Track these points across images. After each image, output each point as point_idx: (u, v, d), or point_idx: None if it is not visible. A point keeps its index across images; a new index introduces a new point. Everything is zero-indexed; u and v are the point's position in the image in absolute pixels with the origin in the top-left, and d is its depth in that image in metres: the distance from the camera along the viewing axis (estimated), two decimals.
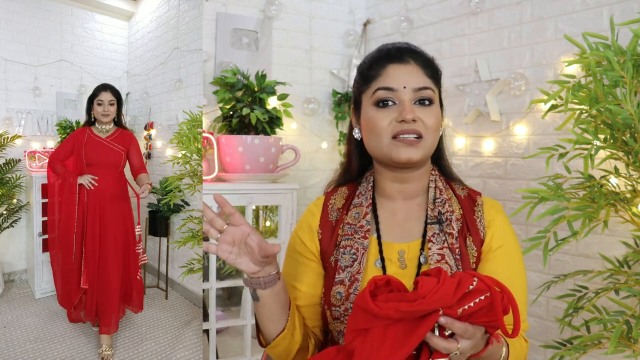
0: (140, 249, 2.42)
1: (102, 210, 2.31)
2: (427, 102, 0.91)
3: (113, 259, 2.30)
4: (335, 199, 1.03)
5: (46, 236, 2.60)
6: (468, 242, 0.94)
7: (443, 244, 0.91)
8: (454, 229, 0.93)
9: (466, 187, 1.02)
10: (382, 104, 0.92)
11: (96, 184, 2.29)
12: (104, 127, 2.38)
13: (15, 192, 2.62)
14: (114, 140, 2.39)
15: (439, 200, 0.96)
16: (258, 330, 0.92)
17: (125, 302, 2.40)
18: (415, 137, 0.90)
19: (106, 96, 2.37)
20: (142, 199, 2.38)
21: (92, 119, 2.41)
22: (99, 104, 2.37)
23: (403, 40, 2.46)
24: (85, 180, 2.29)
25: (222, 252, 0.81)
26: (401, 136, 0.90)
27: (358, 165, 1.04)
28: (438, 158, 1.03)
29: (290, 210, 2.13)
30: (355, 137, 1.00)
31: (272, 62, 2.51)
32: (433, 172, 1.00)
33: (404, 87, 0.90)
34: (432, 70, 0.95)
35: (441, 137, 1.01)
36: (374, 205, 0.99)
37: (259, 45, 2.49)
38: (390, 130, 0.90)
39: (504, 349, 0.82)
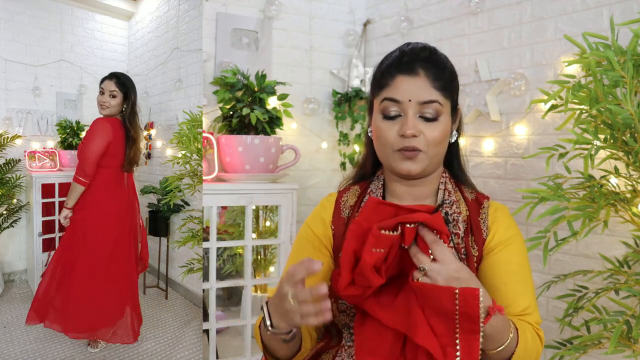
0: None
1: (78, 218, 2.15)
2: (431, 119, 0.92)
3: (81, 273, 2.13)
4: (347, 196, 1.05)
5: (46, 236, 2.60)
6: (471, 242, 0.96)
7: (449, 243, 0.93)
8: (460, 230, 0.95)
9: (475, 191, 1.04)
10: (388, 115, 0.94)
11: (67, 221, 2.15)
12: None
13: (15, 192, 2.62)
14: (84, 137, 2.21)
15: (448, 201, 0.99)
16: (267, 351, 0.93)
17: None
18: (416, 150, 0.92)
19: (108, 85, 2.18)
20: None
21: None
22: (101, 92, 2.20)
23: (403, 40, 2.45)
24: (61, 217, 2.16)
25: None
26: (402, 151, 0.92)
27: (372, 162, 1.07)
28: (450, 161, 1.05)
29: (290, 210, 2.13)
30: (369, 135, 1.03)
31: (272, 62, 2.51)
32: (444, 175, 1.02)
33: (410, 100, 0.91)
34: (443, 81, 0.93)
35: (456, 142, 1.03)
36: None
37: (259, 45, 2.49)
38: (392, 143, 0.93)
39: (512, 334, 0.83)
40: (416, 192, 1.00)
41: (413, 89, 0.91)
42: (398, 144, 0.92)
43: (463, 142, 2.14)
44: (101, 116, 2.24)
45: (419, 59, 0.93)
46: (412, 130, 0.90)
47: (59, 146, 2.79)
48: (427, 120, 0.92)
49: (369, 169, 1.08)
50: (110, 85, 2.18)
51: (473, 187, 1.06)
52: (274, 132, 2.21)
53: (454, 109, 0.99)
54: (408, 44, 0.99)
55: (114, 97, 2.18)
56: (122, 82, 2.23)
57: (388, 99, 0.93)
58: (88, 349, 2.20)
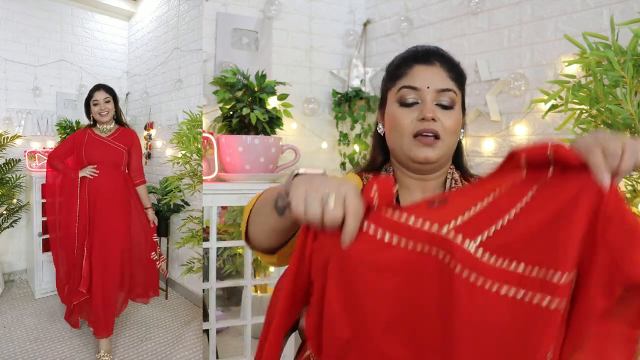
0: (155, 257, 2.46)
1: (105, 209, 2.30)
2: (447, 107, 0.95)
3: (115, 261, 2.28)
4: (365, 178, 1.05)
5: (46, 236, 2.60)
6: None
7: None
8: None
9: None
10: (405, 102, 0.95)
11: (96, 173, 2.30)
12: (104, 126, 2.38)
13: (15, 192, 2.62)
14: (115, 139, 2.38)
15: (455, 187, 1.01)
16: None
17: (143, 294, 2.45)
18: (433, 138, 0.93)
19: (100, 95, 2.37)
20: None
21: (93, 121, 2.42)
22: (95, 104, 2.37)
23: (403, 40, 2.46)
24: (87, 171, 2.29)
25: None
26: (421, 135, 0.93)
27: (381, 160, 1.08)
28: (457, 157, 1.07)
29: None
30: (379, 132, 1.04)
31: (272, 62, 2.51)
32: (451, 168, 1.05)
33: (428, 87, 0.94)
34: (456, 73, 0.98)
35: (461, 140, 1.06)
36: None
37: (259, 45, 2.49)
38: (412, 129, 0.94)
39: None
40: (426, 185, 1.01)
41: (431, 77, 0.94)
42: (416, 128, 0.93)
43: (463, 142, 2.15)
44: (128, 126, 2.52)
45: (433, 52, 0.98)
46: (432, 113, 0.92)
47: None
48: (444, 108, 0.94)
49: (378, 164, 1.08)
50: (102, 94, 2.38)
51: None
52: (274, 132, 2.21)
53: (463, 105, 1.01)
54: (419, 45, 1.02)
55: (107, 102, 2.38)
56: (109, 89, 2.42)
57: (406, 86, 0.95)
58: (95, 356, 2.20)
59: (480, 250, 0.57)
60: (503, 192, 0.61)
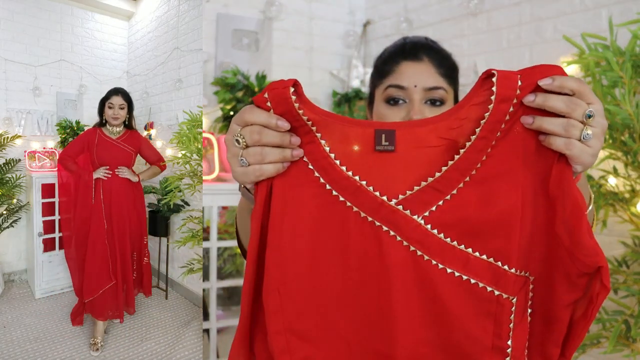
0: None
1: (118, 206, 2.42)
2: (437, 103, 0.91)
3: (128, 254, 2.45)
4: None
5: (46, 236, 2.60)
6: None
7: None
8: None
9: None
10: (392, 101, 0.92)
11: (109, 175, 2.40)
12: (114, 128, 2.46)
13: (15, 192, 2.62)
14: (124, 141, 2.47)
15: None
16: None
17: (138, 288, 2.60)
18: None
19: (117, 100, 2.45)
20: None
21: (104, 121, 2.48)
22: (110, 107, 2.44)
23: None
24: (101, 173, 2.39)
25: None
26: None
27: None
28: None
29: None
30: None
31: (272, 62, 2.52)
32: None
33: (415, 86, 0.90)
34: (446, 68, 0.93)
35: None
36: None
37: (259, 46, 2.50)
38: None
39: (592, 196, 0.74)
40: None
41: (418, 74, 0.90)
42: None
43: None
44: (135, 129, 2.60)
45: (422, 47, 0.93)
46: (419, 115, 0.88)
47: (59, 146, 2.79)
48: (433, 104, 0.90)
49: None
50: (119, 100, 2.46)
51: None
52: None
53: (456, 100, 0.98)
54: (407, 37, 0.98)
55: (122, 109, 2.46)
56: (126, 96, 2.50)
57: (393, 85, 0.91)
58: (90, 352, 2.23)
59: (429, 226, 0.55)
60: (458, 150, 0.55)
